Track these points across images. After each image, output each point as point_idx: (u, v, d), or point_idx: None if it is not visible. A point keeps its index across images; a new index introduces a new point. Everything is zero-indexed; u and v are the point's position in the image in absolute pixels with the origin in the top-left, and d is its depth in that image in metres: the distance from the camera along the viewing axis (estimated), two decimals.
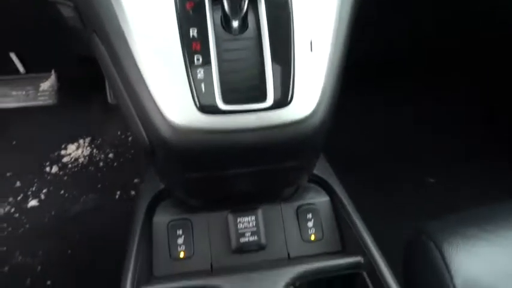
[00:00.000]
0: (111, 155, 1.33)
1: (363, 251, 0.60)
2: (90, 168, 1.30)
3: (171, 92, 0.45)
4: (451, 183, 1.27)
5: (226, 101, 0.45)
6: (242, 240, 0.63)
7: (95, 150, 1.34)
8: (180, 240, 0.64)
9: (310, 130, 0.49)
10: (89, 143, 1.35)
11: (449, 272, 0.54)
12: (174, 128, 0.46)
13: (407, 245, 0.64)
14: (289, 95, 0.47)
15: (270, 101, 0.46)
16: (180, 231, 0.64)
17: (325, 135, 0.54)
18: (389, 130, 1.39)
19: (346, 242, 0.65)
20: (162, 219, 0.65)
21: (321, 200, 0.68)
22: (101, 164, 1.32)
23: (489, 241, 0.57)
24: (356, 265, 0.60)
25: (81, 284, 1.04)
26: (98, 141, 1.36)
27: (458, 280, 0.54)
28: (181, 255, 0.63)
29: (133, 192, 1.24)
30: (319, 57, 0.48)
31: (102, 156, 1.33)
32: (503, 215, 0.60)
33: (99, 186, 1.26)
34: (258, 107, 0.46)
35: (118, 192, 1.24)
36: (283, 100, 0.46)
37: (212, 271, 0.61)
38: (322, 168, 0.69)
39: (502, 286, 0.54)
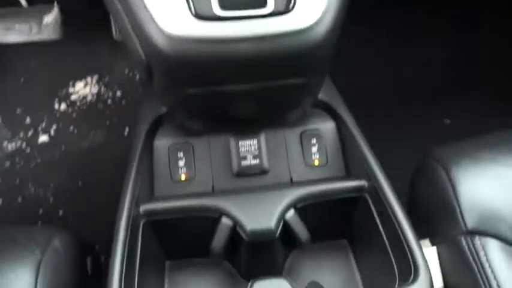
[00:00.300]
0: (118, 93, 1.33)
1: (368, 175, 0.58)
2: (98, 105, 1.30)
3: None
4: (467, 126, 1.23)
5: (223, 6, 0.43)
6: (244, 163, 0.62)
7: (102, 88, 1.33)
8: (181, 163, 0.63)
9: (314, 42, 0.46)
10: (96, 81, 1.34)
11: (455, 193, 0.52)
12: (169, 38, 0.44)
13: (415, 170, 0.62)
14: (292, 1, 0.43)
15: (270, 7, 0.43)
16: (181, 154, 0.63)
17: (331, 50, 0.51)
18: (408, 68, 1.34)
19: (351, 167, 0.63)
20: (162, 142, 0.64)
21: (326, 125, 0.66)
22: (109, 101, 1.31)
23: (501, 163, 0.54)
24: (359, 189, 0.59)
25: (91, 213, 1.06)
26: (106, 79, 1.35)
27: (464, 202, 0.52)
28: (183, 177, 0.62)
29: None
30: None
31: (110, 94, 1.33)
32: None
33: (107, 123, 1.26)
34: (257, 13, 0.43)
35: (126, 129, 1.25)
36: (284, 6, 0.43)
37: (213, 193, 0.61)
38: (328, 93, 0.66)
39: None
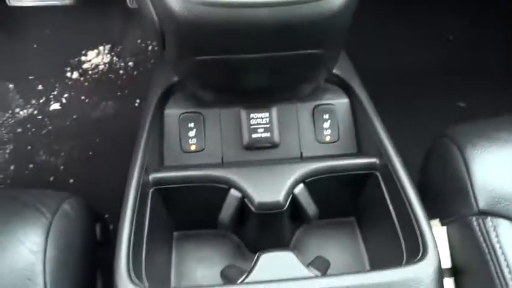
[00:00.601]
0: (131, 64, 1.32)
1: (380, 152, 0.57)
2: (110, 75, 1.30)
3: None
4: (482, 109, 1.20)
5: None
6: (254, 136, 0.61)
7: (115, 58, 1.33)
8: (192, 133, 0.62)
9: (332, 10, 0.45)
10: (109, 51, 1.34)
11: (468, 173, 0.51)
12: (184, 1, 0.43)
13: (428, 149, 0.61)
14: None
15: None
16: (191, 124, 0.63)
17: (348, 21, 0.49)
18: (422, 49, 1.31)
19: (363, 144, 0.62)
20: (173, 111, 0.63)
21: (339, 100, 0.64)
22: (121, 72, 1.31)
23: None
24: (370, 166, 0.58)
25: (101, 182, 1.07)
26: (118, 49, 1.34)
27: (477, 182, 0.51)
28: (193, 148, 0.62)
29: None
30: None
31: (122, 64, 1.32)
32: None
33: (118, 93, 1.26)
34: None
35: (137, 100, 1.24)
36: None
37: (223, 164, 0.61)
38: (343, 68, 0.65)
39: None
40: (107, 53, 1.33)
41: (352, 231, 0.63)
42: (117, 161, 1.09)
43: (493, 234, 0.47)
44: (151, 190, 0.56)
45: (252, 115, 0.62)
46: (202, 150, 0.62)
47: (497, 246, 0.46)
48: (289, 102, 0.63)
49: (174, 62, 0.58)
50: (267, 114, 0.62)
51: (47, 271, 0.46)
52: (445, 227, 0.55)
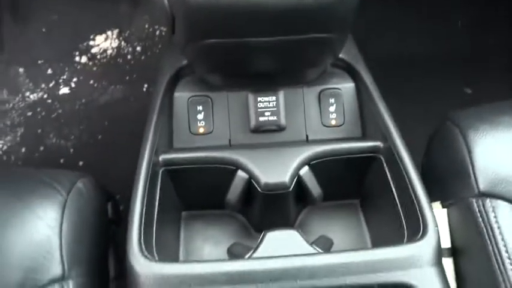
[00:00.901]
0: (138, 48, 1.33)
1: (384, 136, 0.58)
2: (118, 60, 1.31)
3: None
4: (488, 95, 1.20)
5: None
6: (261, 119, 0.63)
7: (123, 43, 1.34)
8: (200, 116, 0.64)
9: None
10: (117, 35, 1.35)
11: (470, 156, 0.53)
12: None
13: (432, 133, 0.62)
14: None
15: None
16: (200, 107, 0.64)
17: (356, 5, 0.50)
18: (428, 35, 1.30)
19: (367, 128, 0.63)
20: (182, 94, 0.65)
21: (345, 85, 0.65)
22: (129, 56, 1.32)
23: None
24: (374, 149, 0.59)
25: (110, 164, 1.10)
26: (126, 34, 1.35)
27: (478, 165, 0.52)
28: (201, 130, 0.64)
29: None
30: None
31: (130, 49, 1.33)
32: None
33: (127, 78, 1.28)
34: None
35: (145, 85, 1.26)
36: None
37: (230, 147, 0.62)
38: (350, 53, 0.66)
39: None
40: (115, 38, 1.34)
41: (355, 213, 0.65)
42: (126, 144, 1.11)
43: (491, 215, 0.48)
44: (161, 170, 0.58)
45: (259, 99, 0.63)
46: (210, 133, 0.64)
47: (495, 226, 0.47)
48: (296, 86, 0.65)
49: (183, 46, 0.59)
50: (274, 98, 0.63)
51: (63, 245, 0.48)
52: (445, 210, 0.56)
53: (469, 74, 1.24)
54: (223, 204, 0.60)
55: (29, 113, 1.21)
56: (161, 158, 0.58)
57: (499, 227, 0.47)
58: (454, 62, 1.26)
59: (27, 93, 1.24)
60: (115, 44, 1.33)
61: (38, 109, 1.22)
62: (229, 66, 0.60)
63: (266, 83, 0.64)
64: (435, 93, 1.18)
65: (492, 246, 0.48)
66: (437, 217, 0.56)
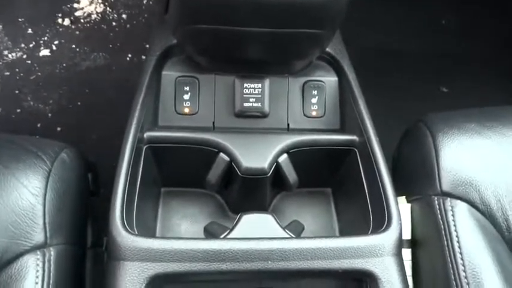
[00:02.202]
0: (124, 16, 1.31)
1: (360, 131, 0.62)
2: (102, 26, 1.28)
3: None
4: (464, 94, 1.25)
5: None
6: (246, 104, 0.65)
7: (108, 8, 1.31)
8: (186, 96, 0.65)
9: None
10: (102, 0, 1.31)
11: (437, 157, 0.57)
12: None
13: (405, 132, 0.66)
14: None
15: None
16: (187, 88, 0.65)
17: (346, 2, 0.52)
18: (409, 28, 1.33)
19: (346, 121, 0.66)
20: (170, 73, 0.66)
21: (329, 78, 0.68)
22: (114, 23, 1.29)
23: (484, 136, 0.58)
24: (350, 142, 0.62)
25: (89, 132, 1.10)
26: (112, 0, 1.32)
27: (443, 166, 0.56)
28: (186, 110, 0.65)
29: (143, 57, 1.24)
30: None
31: (115, 15, 1.31)
32: (508, 115, 0.60)
33: (110, 45, 1.25)
34: None
35: (129, 55, 1.24)
36: None
37: (214, 129, 0.64)
38: (335, 48, 0.68)
39: (488, 179, 0.56)
40: (101, 3, 1.31)
41: (327, 201, 0.69)
42: (105, 112, 1.11)
43: (450, 213, 0.53)
44: (145, 147, 0.59)
45: (245, 84, 0.65)
46: (195, 114, 0.65)
47: (451, 223, 0.52)
48: (282, 75, 0.67)
49: (174, 27, 0.60)
50: (259, 85, 0.65)
51: (47, 214, 0.50)
52: (409, 204, 0.61)
53: (448, 73, 1.29)
54: (203, 184, 0.62)
55: (6, 73, 1.18)
56: (146, 135, 0.59)
57: (454, 224, 0.52)
58: (433, 60, 1.30)
59: (6, 52, 1.21)
60: (100, 8, 1.30)
61: (17, 69, 1.19)
62: (218, 51, 0.61)
63: (253, 70, 0.65)
64: (412, 91, 1.22)
65: (446, 240, 0.52)
66: (402, 210, 0.60)
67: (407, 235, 0.59)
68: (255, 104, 0.65)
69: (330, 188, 0.70)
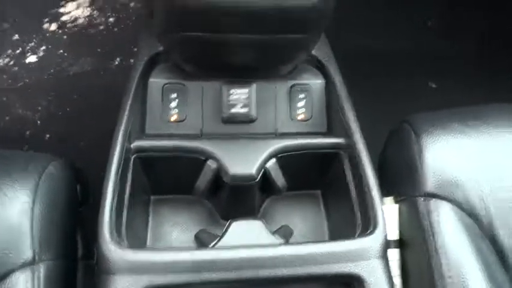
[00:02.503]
0: (111, 20, 1.30)
1: (347, 133, 0.62)
2: (89, 30, 1.28)
3: None
4: (452, 90, 1.26)
5: None
6: (233, 110, 0.65)
7: (95, 12, 1.30)
8: (174, 104, 0.65)
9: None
10: (89, 3, 1.31)
11: (421, 158, 0.57)
12: None
13: (390, 133, 0.67)
14: None
15: None
16: (174, 95, 0.65)
17: (331, 7, 0.53)
18: (395, 30, 1.34)
19: (333, 124, 0.67)
20: (157, 81, 0.66)
21: (315, 81, 0.68)
22: (101, 27, 1.29)
23: (469, 136, 0.59)
24: (337, 145, 0.63)
25: (78, 139, 1.09)
26: (99, 3, 1.31)
27: (427, 167, 0.57)
28: (174, 117, 0.65)
29: (132, 61, 1.24)
30: None
31: (103, 19, 1.30)
32: (492, 113, 0.61)
33: (98, 50, 1.25)
34: None
35: (117, 59, 1.24)
36: None
37: (201, 136, 0.64)
38: (321, 50, 0.68)
39: (472, 179, 0.57)
40: (87, 6, 1.30)
41: (316, 203, 0.69)
42: (95, 119, 1.11)
43: (434, 214, 0.54)
44: (133, 157, 0.59)
45: (232, 90, 0.65)
46: (183, 121, 0.65)
47: (435, 224, 0.53)
48: (268, 80, 0.67)
49: (159, 34, 0.60)
50: (246, 90, 0.65)
51: (34, 229, 0.50)
52: (397, 205, 0.62)
53: (433, 69, 1.30)
54: (192, 190, 0.62)
55: None
56: (133, 145, 0.59)
57: (439, 226, 0.53)
58: (420, 57, 1.31)
59: None
60: (87, 12, 1.29)
61: (4, 76, 1.18)
62: (204, 58, 0.62)
63: (240, 75, 0.66)
64: (400, 87, 1.23)
65: (432, 242, 0.53)
66: (389, 211, 0.61)
67: (395, 235, 0.60)
68: (242, 110, 0.65)
69: (320, 190, 0.71)
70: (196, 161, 0.60)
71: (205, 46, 0.57)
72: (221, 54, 0.60)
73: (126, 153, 0.57)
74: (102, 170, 0.56)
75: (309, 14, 0.51)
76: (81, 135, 1.11)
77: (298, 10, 0.50)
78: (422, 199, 0.56)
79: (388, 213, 0.61)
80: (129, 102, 0.60)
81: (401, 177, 0.61)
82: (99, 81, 1.21)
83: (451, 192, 0.55)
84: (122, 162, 0.56)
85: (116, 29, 1.29)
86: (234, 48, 0.57)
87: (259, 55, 0.60)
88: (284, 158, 0.62)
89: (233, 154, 0.59)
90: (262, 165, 0.60)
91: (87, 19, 1.29)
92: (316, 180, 0.69)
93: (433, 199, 0.55)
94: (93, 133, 1.10)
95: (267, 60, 0.62)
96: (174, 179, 0.64)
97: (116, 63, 1.24)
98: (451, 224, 0.53)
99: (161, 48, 0.65)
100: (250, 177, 0.58)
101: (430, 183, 0.56)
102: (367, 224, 0.54)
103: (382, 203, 0.56)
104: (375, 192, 0.55)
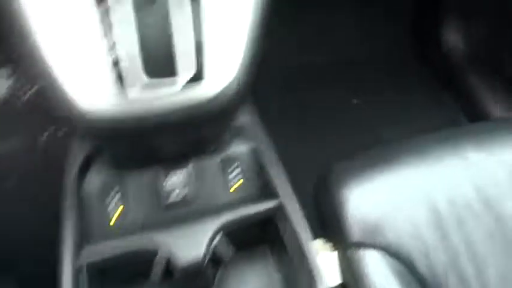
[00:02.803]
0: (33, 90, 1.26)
1: (279, 194, 0.68)
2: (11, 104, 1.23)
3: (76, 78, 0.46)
4: (375, 105, 1.34)
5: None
6: (172, 195, 0.69)
7: (16, 84, 1.26)
8: (113, 203, 0.68)
9: (225, 104, 0.52)
10: (7, 75, 1.26)
11: (343, 209, 0.63)
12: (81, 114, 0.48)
13: (315, 184, 0.72)
14: (200, 71, 0.48)
15: (179, 81, 0.47)
16: (113, 192, 0.68)
17: (239, 106, 0.58)
18: (319, 44, 1.40)
19: (267, 187, 0.73)
20: (94, 180, 0.68)
21: (243, 149, 0.74)
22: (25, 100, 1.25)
23: (384, 179, 0.65)
24: (273, 207, 0.68)
25: (14, 218, 1.05)
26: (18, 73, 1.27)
27: (350, 217, 0.63)
28: (116, 212, 0.68)
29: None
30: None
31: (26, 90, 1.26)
32: (403, 150, 0.67)
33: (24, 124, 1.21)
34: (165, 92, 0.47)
35: (45, 133, 1.21)
36: (194, 76, 0.48)
37: (144, 229, 0.66)
38: (247, 118, 0.74)
39: (391, 221, 0.63)
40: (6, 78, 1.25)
41: (265, 259, 0.75)
42: (25, 204, 1.05)
43: (362, 264, 0.60)
44: (85, 264, 0.61)
45: (168, 177, 0.69)
46: (125, 213, 0.68)
47: (364, 274, 0.59)
48: (201, 158, 0.72)
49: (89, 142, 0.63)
50: (183, 171, 0.70)
51: None
52: (336, 252, 0.68)
53: (354, 85, 1.38)
54: (148, 279, 0.66)
55: None
56: (82, 259, 0.61)
57: (367, 275, 0.59)
58: (339, 73, 1.39)
59: None
60: (6, 84, 1.25)
61: None
62: (134, 157, 0.65)
63: (175, 159, 0.70)
64: (324, 107, 1.29)
65: None
66: (329, 259, 0.68)
67: (337, 280, 0.67)
68: (182, 192, 0.69)
69: (266, 244, 0.76)
70: (144, 254, 0.63)
71: (133, 148, 0.60)
72: (150, 151, 0.63)
73: (76, 263, 0.59)
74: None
75: (225, 116, 0.56)
76: (19, 212, 1.04)
77: (200, 111, 0.51)
78: (351, 249, 0.62)
79: (327, 260, 0.67)
80: (70, 213, 0.63)
81: (332, 226, 0.68)
82: (31, 157, 1.16)
83: (375, 238, 0.62)
84: (74, 273, 0.58)
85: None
86: (159, 147, 0.62)
87: (186, 144, 0.65)
88: (227, 228, 0.67)
89: (179, 241, 0.63)
90: (209, 245, 0.64)
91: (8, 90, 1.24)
92: (262, 236, 0.75)
93: (361, 248, 0.62)
94: (23, 223, 1.02)
95: (193, 147, 0.67)
96: (128, 277, 0.66)
97: (45, 138, 1.20)
98: (380, 272, 0.58)
99: (92, 150, 0.68)
100: (199, 264, 0.62)
101: (355, 232, 0.62)
102: (309, 280, 0.60)
103: (321, 253, 0.63)
104: (310, 252, 0.61)
